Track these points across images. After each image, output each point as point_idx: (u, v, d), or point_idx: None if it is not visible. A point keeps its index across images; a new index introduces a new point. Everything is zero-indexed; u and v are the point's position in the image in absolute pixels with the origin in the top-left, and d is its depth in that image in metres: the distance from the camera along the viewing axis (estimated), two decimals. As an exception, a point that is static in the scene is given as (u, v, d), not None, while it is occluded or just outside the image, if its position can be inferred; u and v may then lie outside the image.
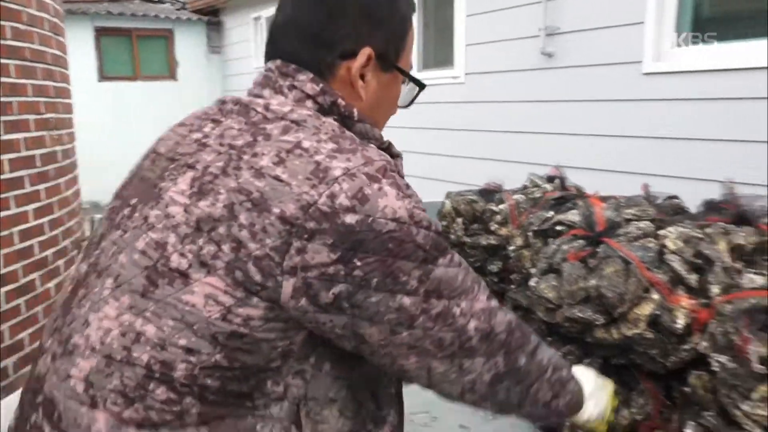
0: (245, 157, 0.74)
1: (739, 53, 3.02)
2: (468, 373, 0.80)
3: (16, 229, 2.65)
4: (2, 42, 2.59)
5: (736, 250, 1.55)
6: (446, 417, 2.19)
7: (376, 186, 0.71)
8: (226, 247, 0.70)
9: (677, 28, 3.33)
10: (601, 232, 1.55)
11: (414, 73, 0.91)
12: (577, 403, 0.96)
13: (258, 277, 0.70)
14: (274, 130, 0.76)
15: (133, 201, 0.81)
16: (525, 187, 2.41)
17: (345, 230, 0.69)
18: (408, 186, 0.76)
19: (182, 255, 0.72)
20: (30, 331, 2.73)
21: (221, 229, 0.71)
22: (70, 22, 6.03)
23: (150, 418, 0.72)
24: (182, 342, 0.71)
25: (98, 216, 2.07)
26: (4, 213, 2.58)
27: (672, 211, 2.09)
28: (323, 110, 0.81)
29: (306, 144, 0.74)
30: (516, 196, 2.28)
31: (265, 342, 0.72)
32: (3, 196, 2.58)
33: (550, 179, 2.48)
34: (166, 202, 0.76)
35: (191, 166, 0.77)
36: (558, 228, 1.83)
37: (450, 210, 2.37)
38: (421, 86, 0.93)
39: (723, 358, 1.09)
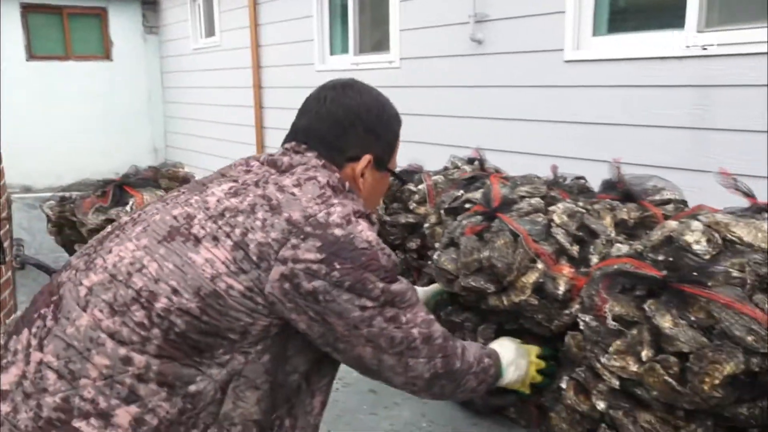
0: (273, 177, 1.04)
1: (652, 43, 3.20)
2: (411, 371, 1.05)
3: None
4: None
5: (620, 224, 1.69)
6: (357, 383, 2.28)
7: (356, 218, 1.00)
8: (238, 231, 0.95)
9: (595, 18, 3.49)
10: (496, 207, 1.66)
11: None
12: (496, 377, 1.21)
13: (255, 258, 0.93)
14: (298, 169, 1.07)
15: (184, 190, 1.08)
16: (446, 169, 2.51)
17: (332, 239, 0.95)
18: (378, 231, 1.06)
19: (202, 227, 0.96)
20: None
21: (240, 218, 0.96)
22: (-6, -2, 5.78)
23: (121, 333, 0.91)
24: (173, 283, 0.92)
25: (15, 196, 2.05)
26: None
27: (577, 190, 2.24)
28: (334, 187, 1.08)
29: (320, 179, 1.04)
30: (435, 177, 2.38)
31: (234, 311, 0.93)
32: None
33: (470, 161, 2.60)
34: (207, 194, 1.02)
35: (235, 180, 1.06)
36: (467, 206, 1.94)
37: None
38: (405, 182, 1.23)
39: (587, 318, 1.22)
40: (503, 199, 1.68)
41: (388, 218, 2.37)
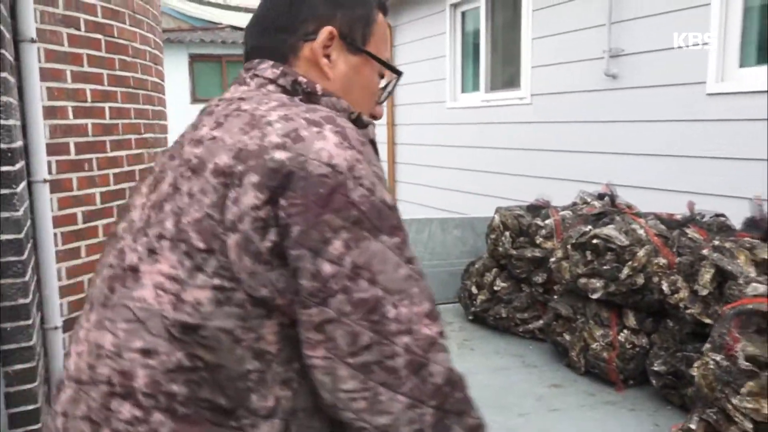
0: (187, 136, 0.74)
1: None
2: (382, 413, 0.63)
3: (117, 234, 3.04)
4: (111, 72, 3.01)
5: (760, 264, 1.63)
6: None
7: (315, 129, 0.66)
8: (169, 223, 0.66)
9: (741, 49, 3.33)
10: None
11: (451, 88, 0.98)
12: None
13: (201, 244, 0.64)
14: (220, 110, 0.74)
15: (116, 229, 0.81)
16: (574, 204, 2.52)
17: (274, 165, 0.62)
18: (363, 143, 0.69)
19: (134, 250, 0.69)
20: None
21: (166, 207, 0.68)
22: (168, 49, 6.63)
23: None
24: (137, 344, 0.65)
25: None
26: (108, 220, 2.97)
27: (717, 228, 2.16)
28: (287, 91, 0.77)
29: (245, 106, 0.71)
30: (563, 212, 2.40)
31: (224, 333, 0.63)
32: (108, 205, 2.98)
33: (600, 197, 2.59)
34: (130, 211, 0.76)
35: (162, 169, 0.75)
36: (594, 241, 1.95)
37: (498, 224, 2.52)
38: (398, 73, 0.89)
39: (718, 357, 1.20)
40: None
41: (514, 252, 2.42)
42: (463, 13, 5.73)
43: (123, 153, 3.09)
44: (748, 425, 1.16)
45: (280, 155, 0.63)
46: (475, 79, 5.62)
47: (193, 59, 8.81)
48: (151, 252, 0.67)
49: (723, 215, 2.22)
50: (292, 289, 0.63)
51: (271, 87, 0.77)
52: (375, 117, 0.87)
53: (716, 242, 1.70)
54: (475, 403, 0.68)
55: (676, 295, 1.77)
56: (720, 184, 3.29)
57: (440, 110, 5.91)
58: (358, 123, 0.77)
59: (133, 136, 3.18)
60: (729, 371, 1.18)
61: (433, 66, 6.03)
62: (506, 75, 5.28)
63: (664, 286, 1.80)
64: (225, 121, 0.69)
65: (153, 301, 0.65)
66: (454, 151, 5.71)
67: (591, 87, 4.21)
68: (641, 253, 1.91)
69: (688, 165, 3.55)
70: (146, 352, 0.65)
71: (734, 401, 1.17)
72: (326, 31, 0.79)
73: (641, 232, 1.98)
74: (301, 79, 0.77)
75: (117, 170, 3.03)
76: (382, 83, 0.88)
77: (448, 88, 5.84)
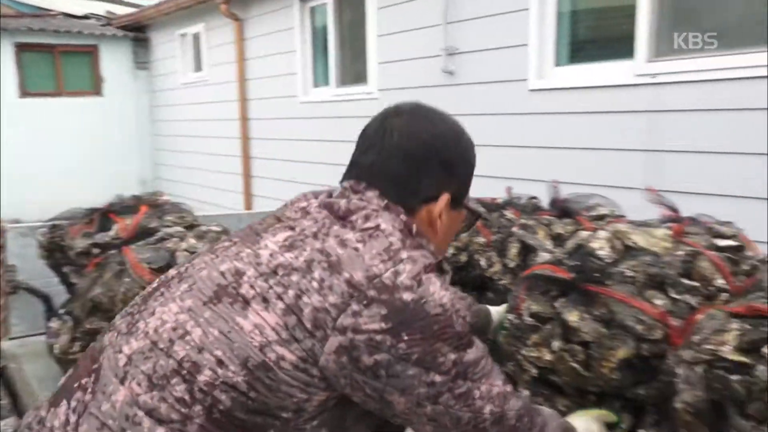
0: (335, 227, 0.88)
1: (607, 72, 3.43)
2: None
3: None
4: None
5: (556, 238, 1.88)
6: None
7: (428, 275, 0.84)
8: (291, 293, 0.81)
9: (556, 50, 3.74)
10: (125, 240, 1.72)
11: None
12: None
13: (309, 325, 0.79)
14: (358, 219, 0.89)
15: (236, 240, 0.95)
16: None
17: (401, 305, 0.79)
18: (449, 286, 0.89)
19: (252, 287, 0.83)
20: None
21: (294, 277, 0.82)
22: (-12, 38, 6.01)
23: (159, 410, 0.80)
24: (218, 353, 0.80)
25: (9, 225, 2.21)
26: None
27: (531, 209, 2.42)
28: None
29: (384, 226, 0.87)
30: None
31: (286, 386, 0.80)
32: None
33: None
34: (260, 246, 0.89)
35: (291, 228, 0.90)
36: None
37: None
38: (480, 218, 1.12)
39: (511, 316, 1.40)
40: (139, 228, 1.74)
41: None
42: (312, 9, 5.80)
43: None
44: (534, 371, 1.36)
45: (407, 296, 0.80)
46: (325, 73, 5.72)
47: (21, 49, 8.02)
48: (265, 300, 0.82)
49: (536, 198, 2.49)
50: (370, 393, 0.82)
51: (376, 209, 0.92)
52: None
53: (522, 220, 1.93)
54: (539, 410, 0.99)
55: (491, 269, 1.98)
56: (540, 170, 3.68)
57: (292, 104, 5.94)
58: (441, 266, 0.93)
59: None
60: (519, 327, 1.38)
61: (284, 60, 6.04)
62: (355, 70, 5.44)
63: (482, 262, 2.01)
64: (368, 240, 0.85)
65: (248, 334, 0.81)
66: (306, 145, 5.78)
67: (431, 83, 4.48)
68: (463, 233, 2.12)
69: (514, 154, 3.92)
70: (220, 363, 0.80)
71: (523, 352, 1.36)
72: (445, 198, 0.95)
73: (463, 214, 2.19)
74: (402, 216, 0.92)
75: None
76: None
77: (300, 83, 5.89)
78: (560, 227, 1.88)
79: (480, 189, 3.21)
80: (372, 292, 0.80)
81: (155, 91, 8.88)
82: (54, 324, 1.80)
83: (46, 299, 2.09)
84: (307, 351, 0.80)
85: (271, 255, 0.86)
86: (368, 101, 5.10)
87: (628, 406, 1.32)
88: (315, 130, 5.64)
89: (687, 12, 3.20)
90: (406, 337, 0.79)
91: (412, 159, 0.93)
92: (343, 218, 0.90)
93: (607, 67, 3.46)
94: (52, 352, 1.76)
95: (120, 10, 9.67)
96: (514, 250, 1.87)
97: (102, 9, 9.69)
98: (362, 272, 0.81)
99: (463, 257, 2.13)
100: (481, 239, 2.15)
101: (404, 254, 0.84)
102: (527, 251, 1.88)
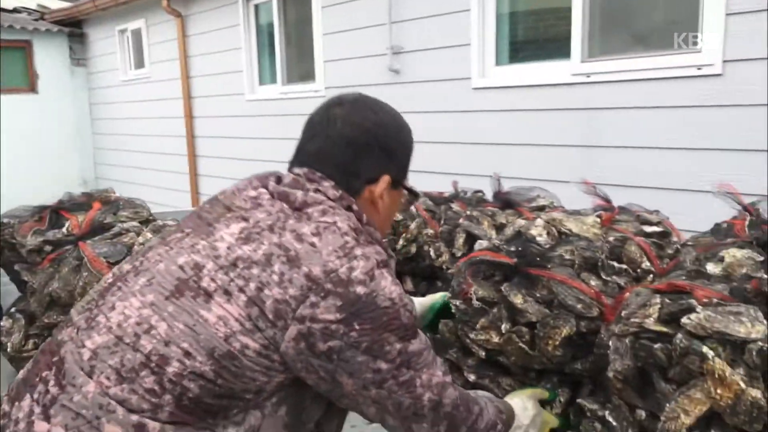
0: (290, 221, 0.94)
1: (545, 71, 3.60)
2: None
3: None
4: None
5: (499, 228, 1.99)
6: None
7: (380, 270, 0.92)
8: (252, 285, 0.87)
9: (497, 50, 3.88)
10: (79, 235, 1.71)
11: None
12: None
13: (271, 316, 0.86)
14: (315, 213, 0.95)
15: (187, 230, 0.99)
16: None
17: (354, 297, 0.88)
18: (398, 281, 0.98)
19: (213, 280, 0.89)
20: None
21: (255, 270, 0.88)
22: None
23: (130, 401, 0.85)
24: (184, 345, 0.86)
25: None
26: None
27: (476, 201, 2.54)
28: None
29: (340, 225, 0.94)
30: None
31: (250, 371, 0.87)
32: None
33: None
34: (215, 238, 0.93)
35: (245, 219, 0.95)
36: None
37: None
38: (417, 196, 1.21)
39: (458, 302, 1.49)
40: (93, 223, 1.77)
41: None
42: (257, 6, 5.78)
43: None
44: (482, 353, 1.46)
45: (360, 290, 0.89)
46: (272, 71, 5.72)
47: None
48: (227, 293, 0.88)
49: (481, 191, 2.61)
50: (324, 375, 0.91)
51: (333, 203, 0.99)
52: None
53: (467, 212, 2.04)
54: (476, 399, 1.07)
55: (440, 259, 2.08)
56: (484, 166, 3.82)
57: (239, 102, 5.91)
58: (387, 253, 1.02)
59: None
60: (467, 312, 1.47)
61: (229, 58, 5.99)
62: (302, 68, 5.46)
63: (431, 252, 2.10)
64: (323, 232, 0.92)
65: (212, 326, 0.87)
66: (254, 143, 5.76)
67: (378, 81, 4.56)
68: (413, 225, 2.21)
69: (459, 150, 4.06)
70: (188, 354, 0.86)
71: (471, 336, 1.46)
72: (385, 180, 1.05)
73: (412, 208, 2.28)
74: (354, 207, 1.01)
75: None
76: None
77: (246, 81, 5.86)
78: (503, 218, 1.99)
79: (427, 183, 3.33)
80: (329, 285, 0.87)
81: (94, 89, 8.62)
82: (5, 323, 1.78)
83: (-8, 300, 2.06)
84: (269, 339, 0.87)
85: (228, 248, 0.91)
86: (316, 99, 5.08)
87: (566, 380, 1.44)
88: (262, 128, 5.63)
89: (617, 15, 3.39)
90: (357, 327, 0.88)
91: (355, 145, 1.02)
92: (299, 209, 0.96)
93: (544, 66, 3.63)
94: (4, 350, 1.74)
95: (54, 4, 9.31)
96: (460, 240, 1.97)
97: (33, 2, 9.30)
98: (320, 267, 0.88)
99: (413, 248, 2.23)
100: (430, 231, 2.26)
101: (358, 251, 0.91)
102: (473, 241, 1.98)
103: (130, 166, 7.92)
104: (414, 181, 3.24)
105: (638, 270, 1.58)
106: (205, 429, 0.88)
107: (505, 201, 2.06)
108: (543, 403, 1.31)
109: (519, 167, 3.64)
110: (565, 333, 1.36)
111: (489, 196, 2.71)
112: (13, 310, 1.78)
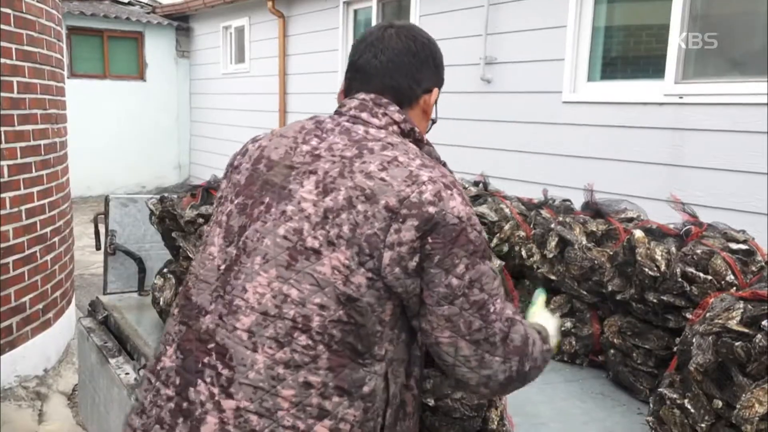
0: (356, 164, 1.01)
1: (637, 90, 3.71)
2: (486, 368, 1.02)
3: (23, 207, 3.09)
4: (19, 47, 3.04)
5: (590, 235, 2.17)
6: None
7: (449, 192, 0.99)
8: (346, 228, 0.97)
9: (590, 66, 4.02)
10: None
11: None
12: (549, 360, 1.18)
13: (367, 250, 0.96)
14: (375, 146, 1.04)
15: (266, 200, 1.05)
16: (455, 189, 3.00)
17: (427, 216, 0.96)
18: (468, 199, 1.03)
19: (315, 237, 0.98)
20: (30, 296, 3.15)
21: (343, 215, 0.97)
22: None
23: (294, 359, 0.97)
24: (317, 300, 0.97)
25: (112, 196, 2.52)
26: (14, 193, 3.01)
27: (563, 210, 2.72)
28: (403, 133, 1.10)
29: (401, 159, 1.01)
30: (446, 195, 2.87)
31: (368, 305, 0.97)
32: (14, 178, 3.02)
33: (476, 184, 3.09)
34: (298, 200, 1.01)
35: (313, 172, 1.03)
36: (472, 217, 2.44)
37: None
38: (435, 120, 1.28)
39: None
40: None
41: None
42: (356, 11, 6.10)
43: (29, 127, 3.13)
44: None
45: (431, 209, 0.97)
46: (365, 73, 6.00)
47: (72, 32, 8.40)
48: (330, 243, 0.97)
49: (569, 200, 2.79)
50: (415, 290, 0.99)
51: (395, 127, 1.09)
52: None
53: (560, 218, 2.23)
54: (546, 336, 1.17)
55: (531, 259, 2.28)
56: (569, 177, 3.96)
57: (331, 100, 6.22)
58: (446, 167, 1.12)
59: (38, 111, 3.22)
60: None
61: (326, 58, 6.34)
62: (394, 72, 5.72)
63: (523, 253, 2.30)
64: (388, 167, 1.00)
65: (330, 276, 0.97)
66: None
67: (469, 89, 4.77)
68: (507, 227, 2.41)
69: (546, 161, 4.21)
70: (322, 307, 0.97)
71: None
72: (437, 91, 1.17)
73: (507, 210, 2.48)
74: (416, 129, 1.11)
75: (23, 144, 3.08)
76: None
77: (340, 81, 6.17)
78: (594, 225, 2.17)
79: (514, 190, 3.51)
80: (404, 211, 0.96)
81: (195, 79, 9.23)
82: (157, 281, 2.11)
83: (139, 261, 2.41)
84: (372, 270, 0.97)
85: (314, 204, 1.00)
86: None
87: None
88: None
89: (715, 38, 3.47)
90: (431, 240, 0.96)
91: (417, 55, 1.13)
92: (360, 144, 1.04)
93: (637, 85, 3.74)
94: (157, 304, 2.07)
95: (164, -1, 10.03)
96: (552, 243, 2.17)
97: (147, -4, 10.06)
98: (395, 197, 0.97)
99: (505, 247, 2.43)
100: (522, 232, 2.46)
101: (425, 176, 0.99)
102: (564, 245, 2.18)
103: (223, 154, 8.45)
104: (503, 187, 3.42)
105: (722, 282, 1.74)
106: (358, 370, 1.00)
107: (596, 210, 2.24)
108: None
109: (603, 181, 3.75)
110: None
111: (576, 205, 2.89)
112: (165, 270, 2.11)
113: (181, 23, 9.23)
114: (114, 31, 8.71)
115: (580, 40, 3.99)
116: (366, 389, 1.00)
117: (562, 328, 1.55)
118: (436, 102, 1.20)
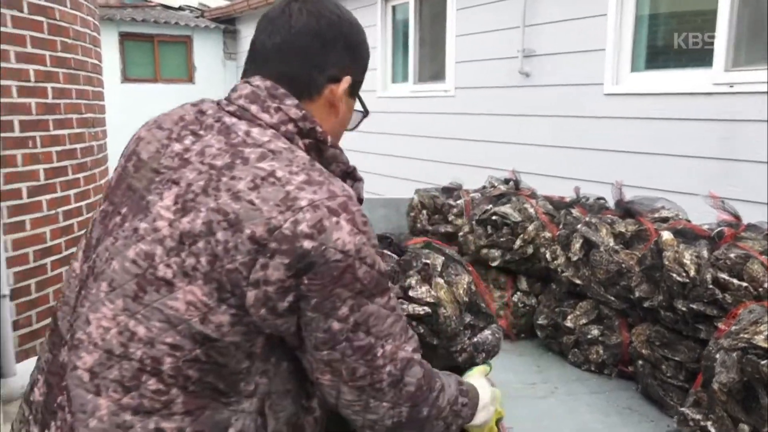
0: (224, 179, 0.83)
1: (684, 80, 3.49)
2: (372, 413, 0.89)
3: (60, 210, 3.17)
4: (53, 53, 3.12)
5: (618, 236, 2.03)
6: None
7: (334, 219, 0.81)
8: (203, 260, 0.81)
9: (633, 56, 3.81)
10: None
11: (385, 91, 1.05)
12: (466, 419, 1.04)
13: (228, 287, 0.81)
14: (252, 155, 0.85)
15: (124, 210, 0.90)
16: (484, 187, 2.90)
17: (301, 253, 0.79)
18: (365, 222, 0.85)
19: (168, 266, 0.82)
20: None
21: (200, 244, 0.81)
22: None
23: (143, 405, 0.83)
24: (168, 340, 0.82)
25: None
26: (51, 195, 3.10)
27: (597, 208, 2.58)
28: (302, 133, 0.91)
29: (279, 174, 0.83)
30: (473, 194, 2.77)
31: (233, 345, 0.83)
32: (50, 181, 3.10)
33: (507, 181, 2.97)
34: (154, 216, 0.85)
35: (176, 182, 0.86)
36: (493, 217, 2.32)
37: (417, 203, 2.87)
38: (367, 113, 1.09)
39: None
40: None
41: (430, 227, 2.77)
42: (394, 7, 6.03)
43: (65, 132, 3.21)
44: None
45: (307, 245, 0.80)
46: (404, 70, 5.95)
47: (124, 38, 8.69)
48: (186, 275, 0.82)
49: (603, 198, 2.64)
50: (290, 330, 0.84)
51: (290, 126, 0.91)
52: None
53: (587, 218, 2.10)
54: (468, 391, 1.00)
55: (555, 262, 2.16)
56: (611, 173, 3.77)
57: (371, 99, 6.19)
58: (354, 176, 0.98)
59: (74, 116, 3.30)
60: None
61: (366, 56, 6.30)
62: (433, 68, 5.64)
63: (547, 255, 2.18)
64: (261, 185, 0.82)
65: (184, 313, 0.82)
66: (384, 138, 6.03)
67: (507, 83, 4.62)
68: (531, 227, 2.29)
69: (586, 156, 4.02)
70: (174, 347, 0.83)
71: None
72: (347, 80, 0.96)
73: (531, 210, 2.37)
74: (318, 128, 0.92)
75: (59, 148, 3.16)
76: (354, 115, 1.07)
77: (379, 78, 6.14)
78: (622, 226, 2.03)
79: (550, 187, 3.37)
80: (274, 245, 0.80)
81: (241, 81, 9.38)
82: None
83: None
84: (236, 307, 0.82)
85: (170, 225, 0.84)
86: (445, 98, 5.30)
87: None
88: (393, 124, 5.88)
89: (765, 22, 3.21)
90: (306, 281, 0.80)
91: (322, 37, 0.94)
92: (236, 148, 0.87)
93: (684, 74, 3.51)
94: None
95: (213, 2, 10.24)
96: (577, 245, 2.04)
97: (195, 1, 10.29)
98: (262, 227, 0.80)
99: (530, 249, 2.32)
100: (548, 234, 2.33)
101: (304, 201, 0.81)
102: (590, 247, 2.04)
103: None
104: (537, 184, 3.30)
105: (760, 289, 1.58)
106: (221, 407, 0.86)
107: (627, 210, 2.10)
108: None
109: (647, 177, 3.57)
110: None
111: (611, 203, 2.73)
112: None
113: (227, 26, 9.39)
114: (164, 36, 8.95)
115: (623, 28, 3.78)
116: (232, 431, 0.86)
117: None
118: (356, 92, 1.01)
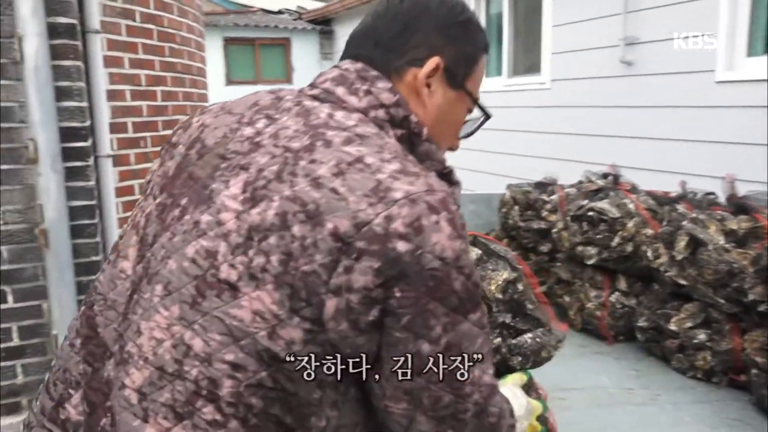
0: (302, 162, 0.71)
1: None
2: None
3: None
4: (162, 59, 3.33)
5: (729, 234, 1.88)
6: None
7: (433, 218, 0.68)
8: (274, 259, 0.67)
9: (749, 39, 3.51)
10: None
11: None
12: None
13: (303, 294, 0.67)
14: (336, 138, 0.72)
15: (183, 201, 0.76)
16: (580, 182, 2.78)
17: (394, 256, 0.66)
18: (464, 226, 0.73)
19: (232, 266, 0.69)
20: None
21: (272, 239, 0.68)
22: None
23: None
24: (229, 357, 0.69)
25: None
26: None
27: (706, 204, 2.40)
28: (393, 122, 0.79)
29: (369, 160, 0.70)
30: (568, 189, 2.66)
31: (305, 369, 0.69)
32: (159, 179, 3.32)
33: (605, 176, 2.84)
34: (218, 208, 0.72)
35: (244, 168, 0.73)
36: (590, 213, 2.21)
37: (509, 199, 2.80)
38: (488, 116, 0.95)
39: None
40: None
41: (522, 224, 2.69)
42: (488, 1, 5.92)
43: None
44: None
45: (402, 247, 0.66)
46: (498, 63, 5.83)
47: (227, 42, 9.14)
48: (253, 277, 0.68)
49: (713, 193, 2.45)
50: (371, 349, 0.70)
51: (381, 112, 0.79)
52: (453, 149, 0.94)
53: (693, 215, 1.96)
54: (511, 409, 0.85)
55: (658, 261, 2.04)
56: (719, 166, 3.50)
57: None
58: (450, 178, 0.83)
59: (181, 117, 3.51)
60: None
61: (458, 51, 6.24)
62: (527, 60, 5.48)
63: (649, 253, 2.06)
64: (347, 170, 0.69)
65: (250, 324, 0.68)
66: (478, 134, 5.93)
67: (607, 73, 4.41)
68: (630, 224, 2.17)
69: (694, 148, 3.76)
70: (235, 366, 0.69)
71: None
72: (434, 62, 0.82)
73: (631, 206, 2.24)
74: (412, 117, 0.80)
75: (167, 147, 3.37)
76: (468, 119, 0.93)
77: (472, 73, 6.05)
78: (734, 223, 1.87)
79: (654, 182, 3.18)
80: (361, 244, 0.66)
81: (336, 80, 9.60)
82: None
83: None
84: (312, 321, 0.68)
85: (237, 217, 0.70)
86: (540, 92, 5.14)
87: None
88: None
89: None
90: (398, 294, 0.67)
91: (403, 18, 0.83)
92: (316, 130, 0.74)
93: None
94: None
95: (309, 5, 10.55)
96: (682, 243, 1.91)
97: (294, 4, 10.64)
98: (348, 221, 0.66)
99: (629, 247, 2.20)
100: (649, 230, 2.20)
101: (398, 193, 0.68)
102: (696, 245, 1.91)
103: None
104: (638, 179, 3.13)
105: None
106: None
107: (740, 205, 1.93)
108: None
109: (764, 170, 3.27)
110: None
111: (722, 199, 2.53)
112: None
113: (323, 27, 9.63)
114: (264, 39, 9.33)
115: (738, 8, 3.49)
116: None
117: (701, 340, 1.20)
118: (460, 81, 0.85)
